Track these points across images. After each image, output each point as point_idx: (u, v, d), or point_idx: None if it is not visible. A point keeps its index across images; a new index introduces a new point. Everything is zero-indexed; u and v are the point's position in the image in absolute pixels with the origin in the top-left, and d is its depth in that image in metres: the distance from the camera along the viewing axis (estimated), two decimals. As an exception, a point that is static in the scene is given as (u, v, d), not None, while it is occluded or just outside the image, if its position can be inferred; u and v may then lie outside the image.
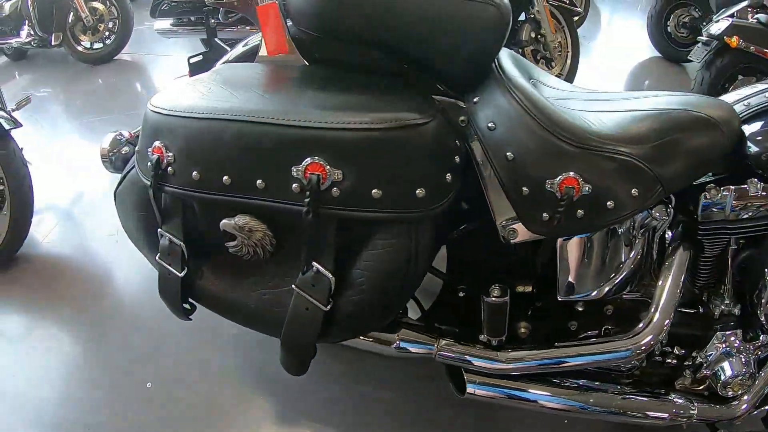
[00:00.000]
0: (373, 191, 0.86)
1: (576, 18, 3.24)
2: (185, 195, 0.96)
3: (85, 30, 4.62)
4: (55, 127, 3.73)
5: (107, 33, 4.66)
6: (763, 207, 1.03)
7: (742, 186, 1.02)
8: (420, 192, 0.87)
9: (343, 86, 1.00)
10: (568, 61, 3.24)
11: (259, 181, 0.89)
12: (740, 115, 1.05)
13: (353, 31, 1.03)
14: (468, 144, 1.02)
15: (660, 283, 1.11)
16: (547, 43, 3.11)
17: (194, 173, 0.92)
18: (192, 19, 3.41)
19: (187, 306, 1.09)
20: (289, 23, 1.12)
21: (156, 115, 0.98)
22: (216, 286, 1.05)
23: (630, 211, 0.96)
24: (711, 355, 1.15)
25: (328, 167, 0.84)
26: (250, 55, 1.23)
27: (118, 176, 1.21)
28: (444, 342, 1.19)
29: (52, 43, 4.40)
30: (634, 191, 0.95)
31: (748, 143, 1.02)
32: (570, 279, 1.11)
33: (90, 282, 2.23)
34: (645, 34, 4.23)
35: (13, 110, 2.72)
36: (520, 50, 3.08)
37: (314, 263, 0.92)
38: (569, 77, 3.22)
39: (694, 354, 1.19)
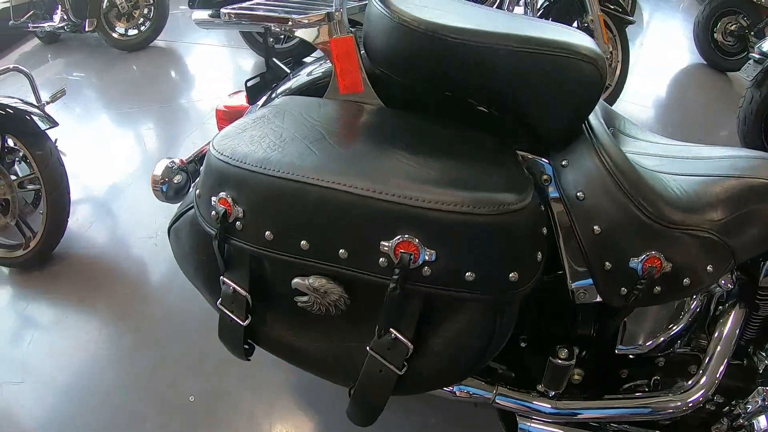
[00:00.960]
0: (467, 273, 0.82)
1: (626, 26, 3.12)
2: (255, 253, 0.91)
3: (120, 16, 4.59)
4: (89, 114, 3.72)
5: (142, 19, 4.63)
6: None
7: None
8: (513, 276, 0.84)
9: (431, 145, 0.95)
10: (618, 72, 3.14)
11: (341, 251, 0.84)
12: None
13: (440, 78, 0.99)
14: (550, 205, 1.01)
15: (713, 339, 1.12)
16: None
17: (267, 233, 0.87)
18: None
19: (246, 347, 1.07)
20: (365, 58, 1.07)
21: (222, 164, 0.91)
22: (280, 333, 1.02)
23: (703, 286, 0.97)
24: (750, 407, 1.16)
25: (422, 247, 0.80)
26: (313, 87, 1.17)
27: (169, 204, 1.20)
28: (501, 389, 1.19)
29: (86, 29, 4.38)
30: (709, 267, 0.95)
31: None
32: (628, 332, 1.14)
33: (129, 286, 2.22)
34: (687, 37, 4.13)
35: (48, 103, 2.73)
36: None
37: (393, 330, 0.88)
38: (617, 89, 3.14)
39: (733, 403, 1.20)
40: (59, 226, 2.27)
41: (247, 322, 0.99)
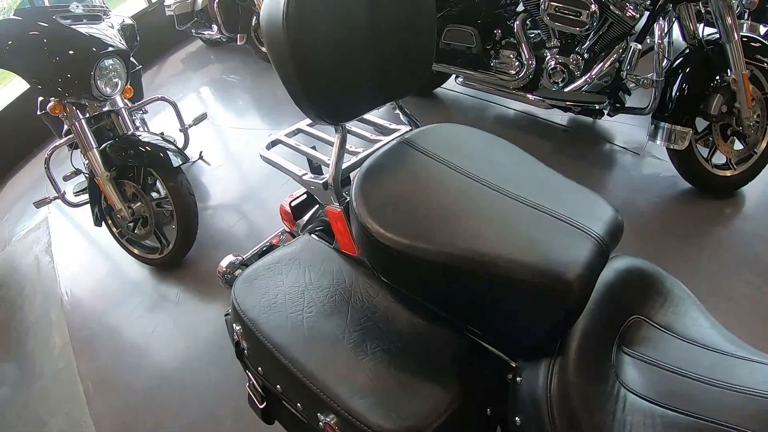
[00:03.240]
0: None
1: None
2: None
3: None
4: (241, 118, 4.21)
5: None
6: None
7: None
8: None
9: (394, 344, 0.99)
10: (764, 144, 2.65)
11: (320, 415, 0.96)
12: None
13: (415, 286, 0.98)
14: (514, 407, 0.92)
15: None
16: (740, 118, 2.55)
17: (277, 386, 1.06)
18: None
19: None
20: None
21: (237, 311, 1.09)
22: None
23: None
24: None
25: None
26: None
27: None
28: None
29: (238, 42, 4.92)
30: None
31: None
32: None
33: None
34: None
35: (191, 126, 3.21)
36: (707, 124, 2.62)
37: None
38: (765, 156, 2.67)
39: None
40: (188, 241, 2.73)
41: (263, 405, 1.20)
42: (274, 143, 1.40)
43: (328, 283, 1.11)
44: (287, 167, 1.26)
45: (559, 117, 3.20)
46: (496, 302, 0.87)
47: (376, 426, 0.87)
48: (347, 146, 1.17)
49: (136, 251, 2.87)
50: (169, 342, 2.42)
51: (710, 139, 2.63)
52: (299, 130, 1.42)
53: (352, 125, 1.29)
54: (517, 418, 0.89)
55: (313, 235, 1.28)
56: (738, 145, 2.68)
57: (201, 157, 3.23)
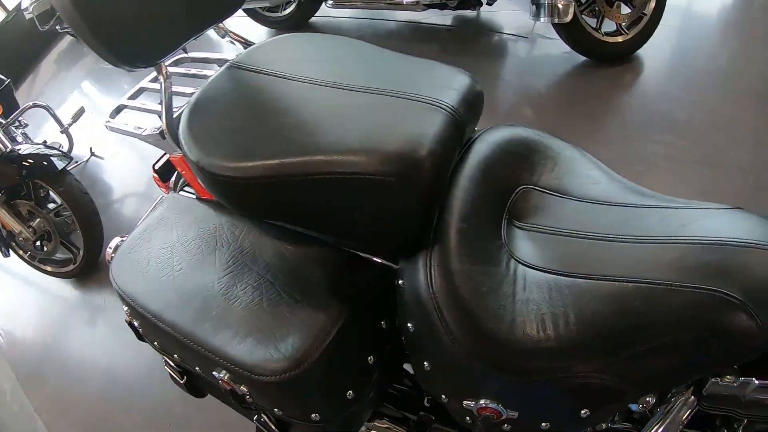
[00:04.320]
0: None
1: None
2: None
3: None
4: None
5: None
6: None
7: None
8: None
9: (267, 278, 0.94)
10: (654, 1, 2.65)
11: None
12: None
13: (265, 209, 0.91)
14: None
15: None
16: None
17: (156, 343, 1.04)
18: None
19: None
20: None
21: (121, 294, 1.02)
22: None
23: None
24: None
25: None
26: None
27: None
28: None
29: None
30: (584, 412, 0.79)
31: None
32: None
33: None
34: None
35: (70, 124, 3.03)
36: None
37: None
38: (654, 17, 2.68)
39: None
40: (96, 242, 2.61)
41: (183, 380, 1.15)
42: (118, 110, 1.30)
43: (194, 235, 1.05)
44: (129, 130, 1.19)
45: (441, 18, 3.14)
46: (350, 205, 0.80)
47: (258, 369, 0.83)
48: (186, 89, 1.10)
49: (50, 269, 2.74)
50: (109, 346, 2.36)
51: (596, 8, 2.63)
52: (143, 89, 1.33)
53: (188, 67, 1.21)
54: (409, 324, 0.83)
55: (181, 192, 1.22)
56: (625, 9, 2.69)
57: (93, 154, 3.06)
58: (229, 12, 1.06)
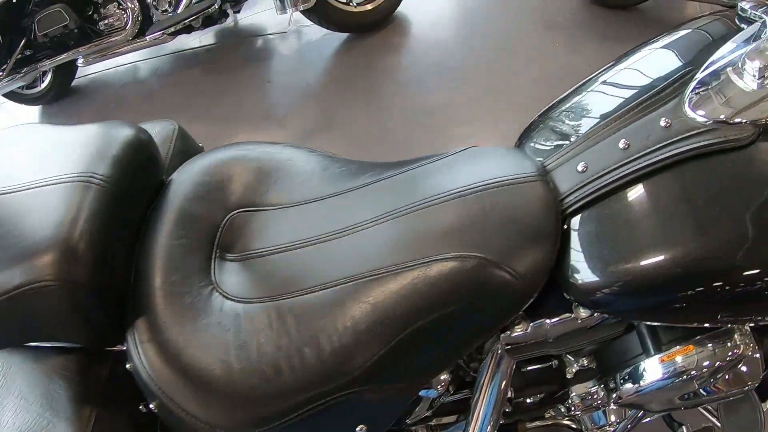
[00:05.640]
0: None
1: None
2: None
3: None
4: None
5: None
6: None
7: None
8: None
9: None
10: None
11: None
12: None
13: None
14: None
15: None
16: None
17: None
18: None
19: None
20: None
21: None
22: None
23: None
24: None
25: None
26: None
27: None
28: None
29: None
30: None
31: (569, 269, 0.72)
32: None
33: None
34: None
35: None
36: None
37: None
38: None
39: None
40: None
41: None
42: None
43: None
44: None
45: (198, 39, 3.04)
46: (41, 318, 0.72)
47: None
48: None
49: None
50: None
51: None
52: None
53: None
54: (151, 405, 0.76)
55: None
56: None
57: None
58: None
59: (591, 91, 0.87)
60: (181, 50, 3.03)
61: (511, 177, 0.76)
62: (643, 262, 0.67)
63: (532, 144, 0.86)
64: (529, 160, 0.80)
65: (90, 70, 3.15)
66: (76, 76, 3.11)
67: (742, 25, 0.78)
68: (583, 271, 0.71)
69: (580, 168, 0.74)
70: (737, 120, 0.67)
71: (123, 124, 0.83)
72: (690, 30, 0.85)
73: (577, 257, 0.72)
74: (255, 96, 2.60)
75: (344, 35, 2.76)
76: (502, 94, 2.27)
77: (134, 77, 3.08)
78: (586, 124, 0.80)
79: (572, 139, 0.79)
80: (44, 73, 3.12)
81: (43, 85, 3.15)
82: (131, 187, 0.77)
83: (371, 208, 0.78)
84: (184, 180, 0.84)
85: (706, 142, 0.67)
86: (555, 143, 0.82)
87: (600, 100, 0.84)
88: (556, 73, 2.28)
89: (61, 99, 3.11)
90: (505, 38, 2.59)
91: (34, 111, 3.14)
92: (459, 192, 0.75)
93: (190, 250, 0.77)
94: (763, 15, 0.74)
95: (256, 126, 2.46)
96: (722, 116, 0.68)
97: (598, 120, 0.78)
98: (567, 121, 0.85)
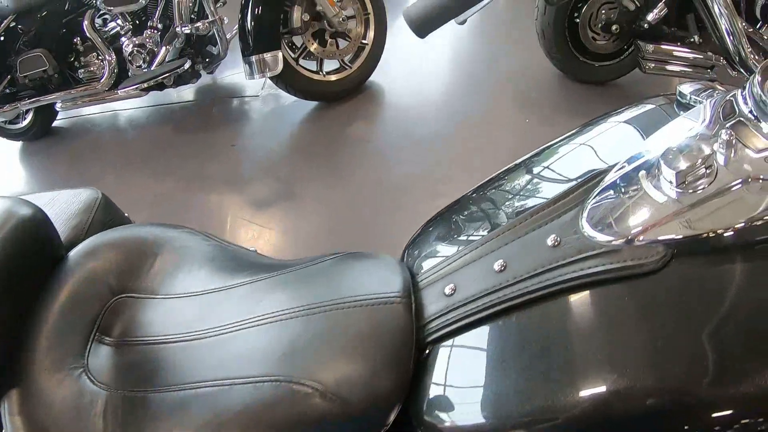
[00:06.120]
0: None
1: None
2: None
3: None
4: None
5: None
6: None
7: None
8: None
9: None
10: (372, 29, 2.74)
11: None
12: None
13: None
14: None
15: None
16: (329, 19, 2.61)
17: None
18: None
19: None
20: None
21: None
22: None
23: None
24: None
25: None
26: None
27: None
28: None
29: None
30: None
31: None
32: None
33: None
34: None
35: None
36: (302, 40, 2.68)
37: None
38: (377, 43, 2.78)
39: None
40: None
41: None
42: None
43: None
44: None
45: (175, 94, 3.08)
46: None
47: None
48: None
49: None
50: None
51: (310, 51, 2.68)
52: None
53: None
54: None
55: None
56: (343, 42, 2.75)
57: None
58: None
59: (491, 190, 0.79)
60: (159, 104, 3.07)
61: (371, 296, 0.70)
62: (502, 411, 0.57)
63: (415, 253, 0.79)
64: (399, 277, 0.72)
65: (72, 113, 3.22)
66: (58, 118, 3.19)
67: (680, 112, 0.66)
68: (438, 410, 0.63)
69: (447, 291, 0.66)
70: (643, 239, 0.55)
71: (21, 203, 0.83)
72: (621, 118, 0.74)
73: (435, 392, 0.63)
74: (218, 159, 2.60)
75: (314, 103, 2.75)
76: (475, 170, 2.22)
77: (112, 125, 3.12)
78: (468, 237, 0.72)
79: (449, 254, 0.71)
80: (27, 111, 3.20)
81: (25, 123, 3.21)
82: (19, 266, 0.78)
83: (236, 311, 0.76)
84: (78, 259, 0.85)
85: (599, 268, 0.55)
86: (434, 257, 0.75)
87: (494, 204, 0.76)
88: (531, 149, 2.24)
89: (42, 138, 3.16)
90: (478, 112, 2.56)
91: (16, 146, 3.19)
92: (309, 308, 0.70)
93: (73, 329, 0.78)
94: (703, 100, 0.63)
95: (212, 189, 2.45)
96: (627, 235, 0.55)
97: (483, 233, 0.70)
98: (453, 231, 0.77)
